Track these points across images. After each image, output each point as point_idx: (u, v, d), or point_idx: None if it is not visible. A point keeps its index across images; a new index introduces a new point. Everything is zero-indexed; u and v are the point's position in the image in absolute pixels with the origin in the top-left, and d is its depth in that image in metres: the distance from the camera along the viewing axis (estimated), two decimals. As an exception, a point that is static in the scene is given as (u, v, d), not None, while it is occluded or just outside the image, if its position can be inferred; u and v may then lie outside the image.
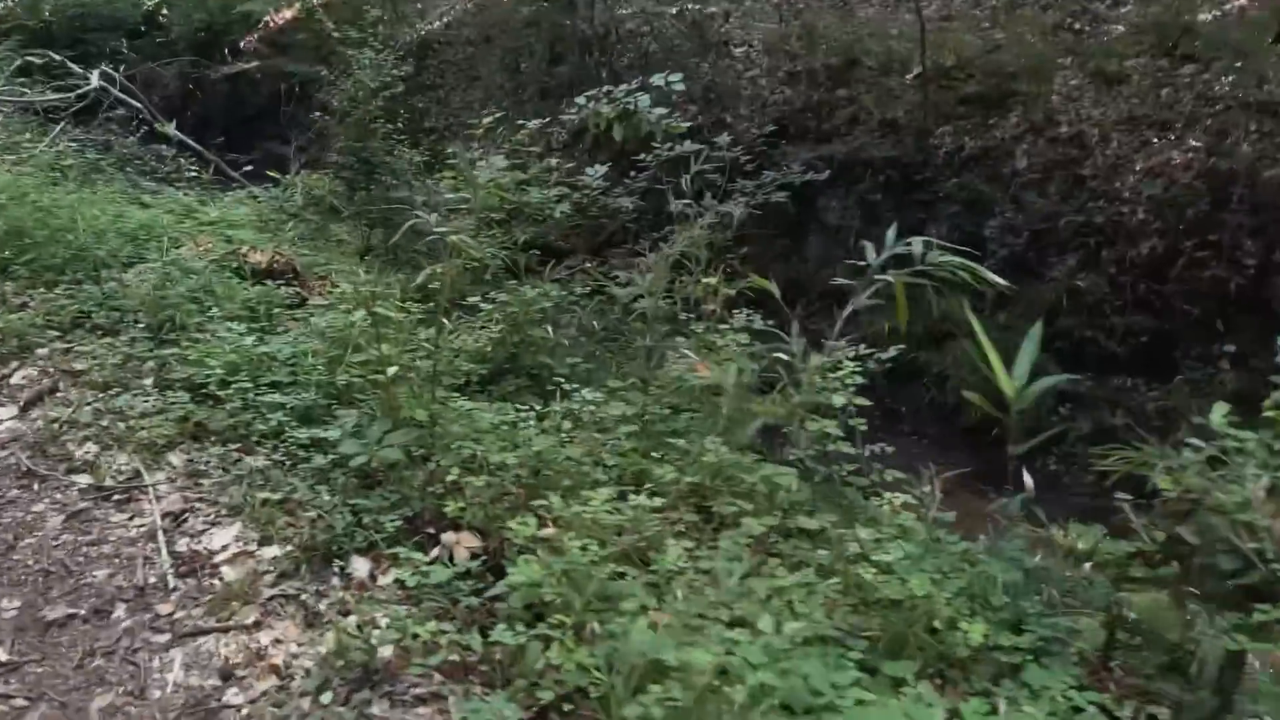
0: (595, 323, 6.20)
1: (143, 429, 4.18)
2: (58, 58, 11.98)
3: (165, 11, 18.89)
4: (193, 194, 10.63)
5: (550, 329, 5.54)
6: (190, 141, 11.21)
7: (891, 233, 3.37)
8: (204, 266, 6.11)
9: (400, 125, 10.11)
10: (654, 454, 3.93)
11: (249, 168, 12.22)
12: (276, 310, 5.66)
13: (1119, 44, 10.96)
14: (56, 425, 4.25)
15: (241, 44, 19.11)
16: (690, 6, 13.75)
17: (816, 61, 12.40)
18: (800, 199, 8.78)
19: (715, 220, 4.87)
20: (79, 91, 11.07)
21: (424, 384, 4.11)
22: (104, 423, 4.26)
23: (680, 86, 5.67)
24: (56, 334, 5.15)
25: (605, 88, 5.90)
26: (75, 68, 11.70)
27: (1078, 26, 12.31)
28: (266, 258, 6.69)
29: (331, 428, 3.89)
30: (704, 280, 4.59)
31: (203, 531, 3.60)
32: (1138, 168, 9.20)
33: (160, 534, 3.57)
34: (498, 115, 7.43)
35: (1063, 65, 10.80)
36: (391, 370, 3.94)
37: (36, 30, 18.43)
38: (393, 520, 3.44)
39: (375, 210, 8.68)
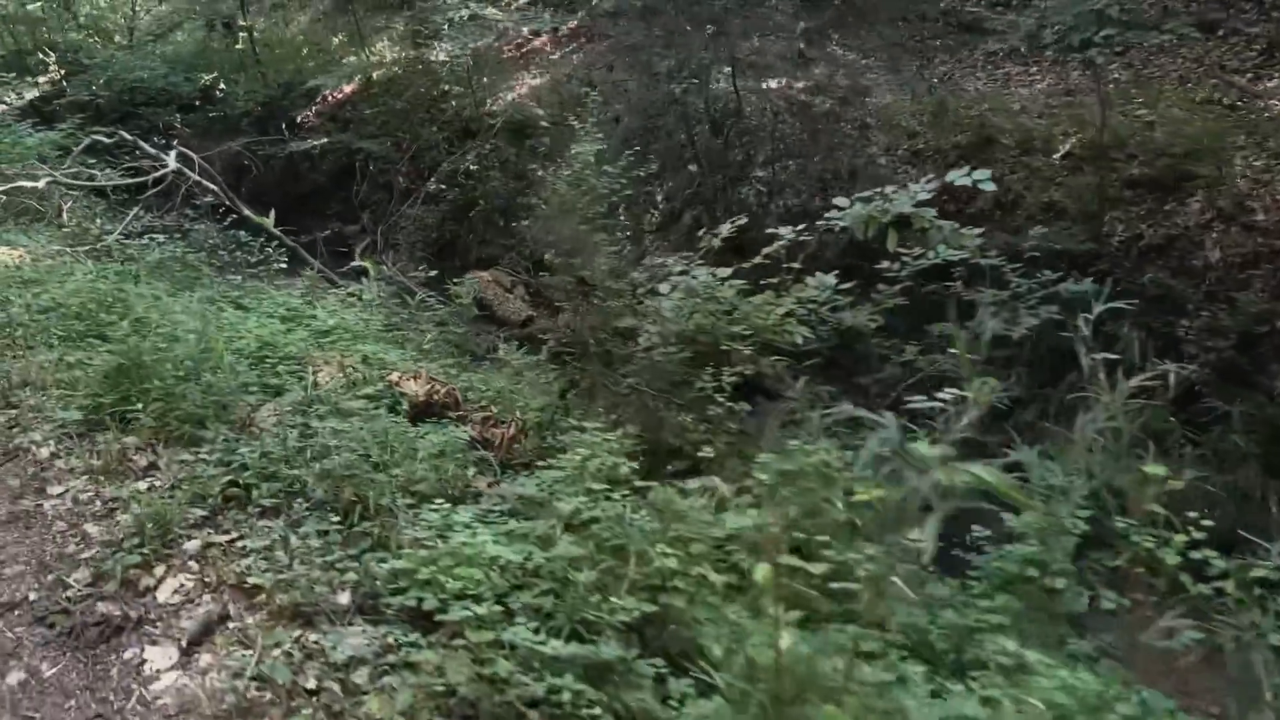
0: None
1: (368, 696, 2.83)
2: (129, 136, 10.83)
3: (222, 86, 17.84)
4: (292, 290, 9.42)
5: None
6: (271, 227, 9.97)
7: None
8: (363, 407, 4.81)
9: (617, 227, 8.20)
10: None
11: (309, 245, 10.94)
12: (471, 473, 4.34)
13: (1293, 122, 9.79)
14: (241, 684, 2.90)
15: (299, 118, 18.07)
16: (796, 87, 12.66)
17: (944, 139, 11.26)
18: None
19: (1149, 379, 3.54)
20: (156, 175, 9.89)
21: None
22: (309, 683, 2.92)
23: (990, 186, 4.44)
24: (204, 515, 3.82)
25: (888, 187, 4.68)
26: (148, 147, 10.54)
27: (1226, 101, 11.18)
28: (423, 387, 5.38)
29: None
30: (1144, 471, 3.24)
31: None
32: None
33: None
34: (694, 213, 6.19)
35: (1238, 144, 9.62)
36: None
37: (85, 104, 17.43)
38: None
39: (588, 337, 7.16)
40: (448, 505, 3.83)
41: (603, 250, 4.68)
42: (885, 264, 5.20)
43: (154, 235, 9.22)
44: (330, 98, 17.95)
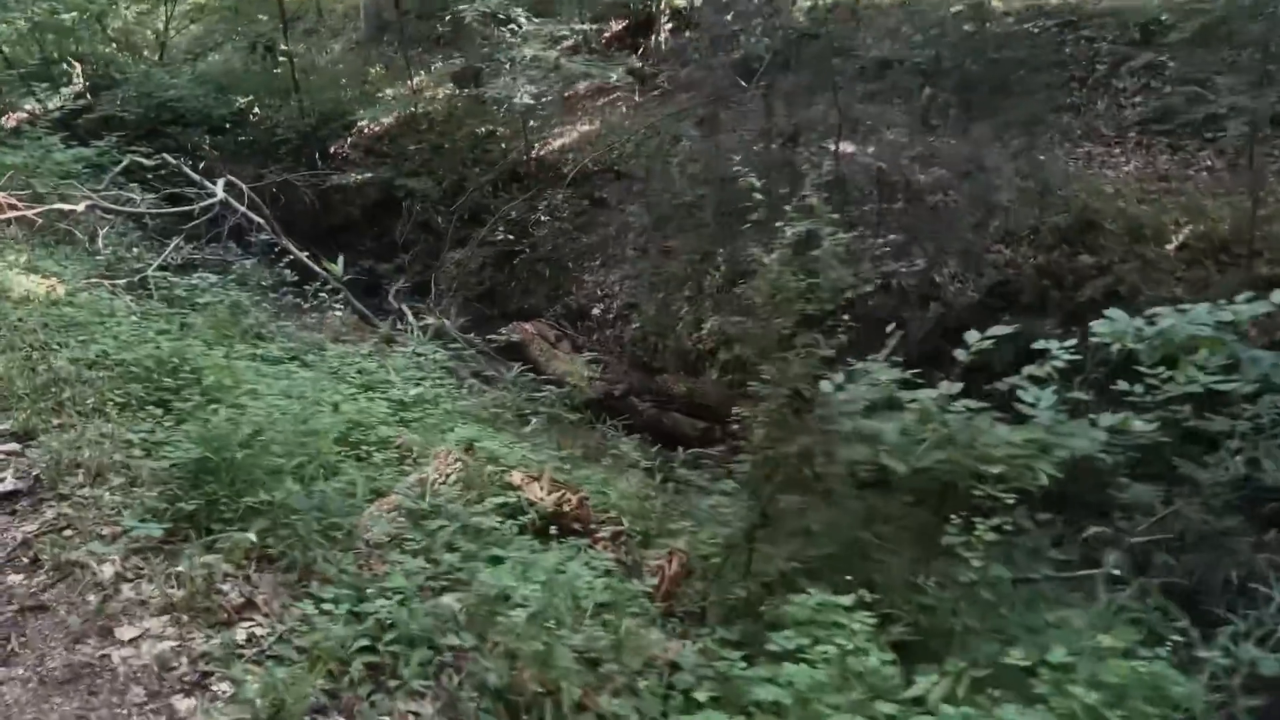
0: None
1: None
2: (172, 160, 9.87)
3: (257, 110, 16.94)
4: (340, 337, 8.45)
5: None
6: (339, 277, 8.97)
7: None
8: (496, 525, 3.82)
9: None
10: None
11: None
12: (654, 635, 3.34)
13: None
14: None
15: (334, 149, 17.16)
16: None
17: (1043, 220, 10.43)
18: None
19: None
20: (203, 204, 8.92)
21: None
22: None
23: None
24: (328, 698, 2.81)
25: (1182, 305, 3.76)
26: (193, 174, 9.58)
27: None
28: (550, 495, 4.39)
29: None
30: None
31: None
32: None
33: None
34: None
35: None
36: None
37: (111, 119, 16.49)
38: None
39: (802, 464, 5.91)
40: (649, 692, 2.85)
41: (808, 354, 3.74)
42: (1124, 384, 4.26)
43: (199, 271, 8.26)
44: (368, 130, 17.07)
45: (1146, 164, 12.53)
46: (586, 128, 15.14)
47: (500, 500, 4.27)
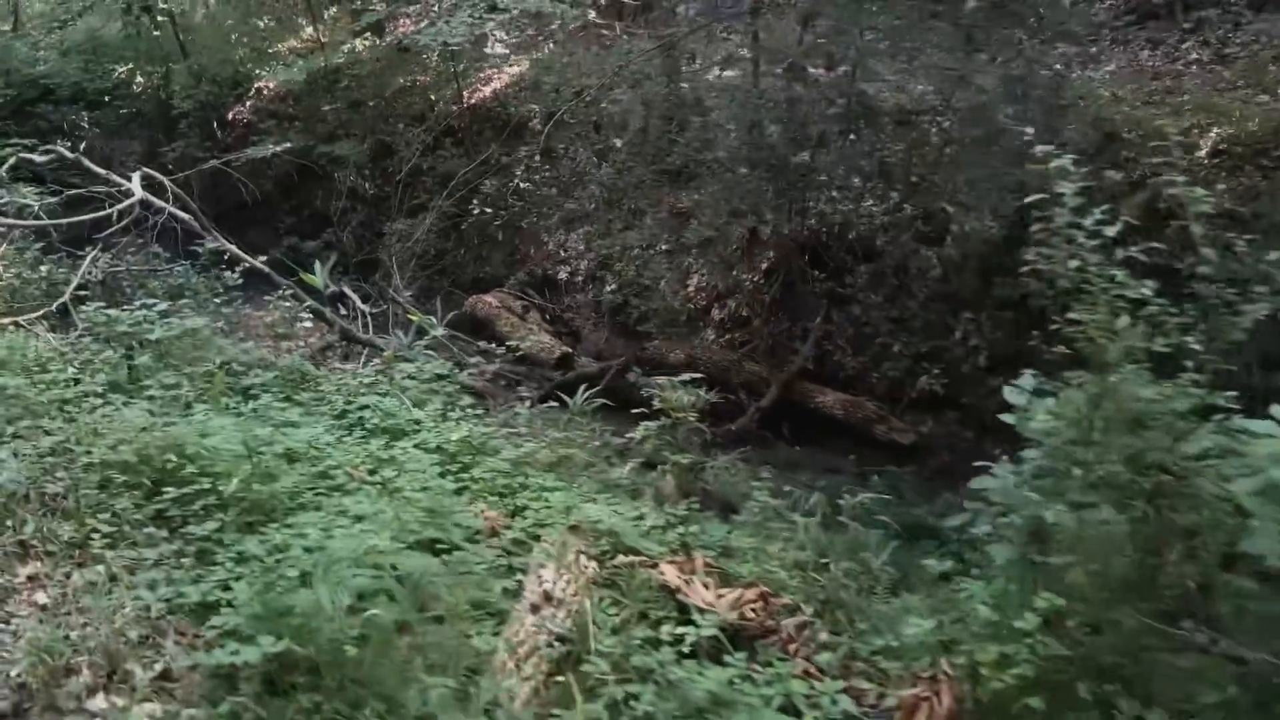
0: None
1: None
2: (69, 154, 8.14)
3: (139, 79, 14.86)
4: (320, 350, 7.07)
5: None
6: (321, 284, 7.46)
7: None
8: (694, 676, 2.69)
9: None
10: None
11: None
12: None
13: None
14: None
15: (231, 116, 15.21)
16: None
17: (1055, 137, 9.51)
18: None
19: None
20: (120, 206, 7.27)
21: None
22: None
23: None
24: None
25: None
26: (97, 168, 7.89)
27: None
28: (724, 597, 3.26)
29: None
30: None
31: None
32: None
33: None
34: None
35: None
36: None
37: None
38: None
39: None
40: None
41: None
42: None
43: (127, 286, 6.74)
44: (267, 91, 15.16)
45: (1130, 63, 11.75)
46: (516, 70, 13.60)
47: (659, 611, 3.13)
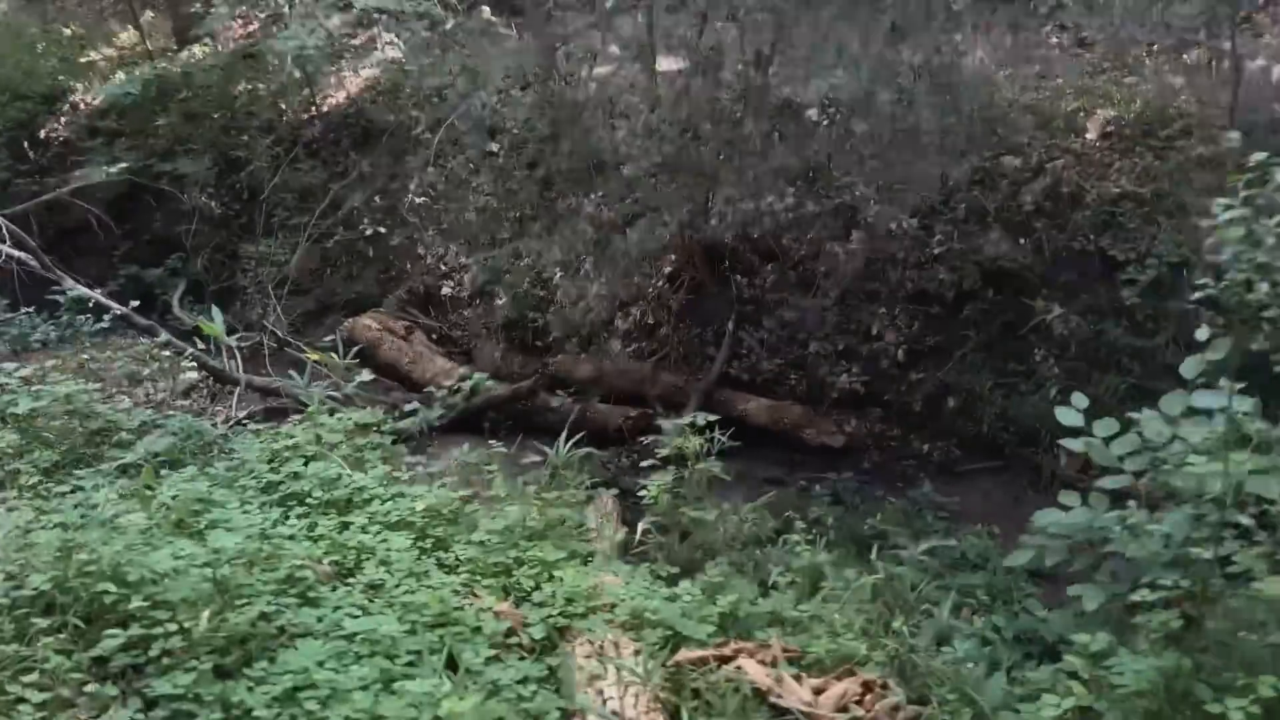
0: None
1: None
2: None
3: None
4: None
5: None
6: (223, 334, 6.45)
7: None
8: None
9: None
10: None
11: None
12: None
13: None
14: None
15: (44, 134, 13.56)
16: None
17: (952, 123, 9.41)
18: None
19: None
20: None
21: None
22: None
23: None
24: None
25: None
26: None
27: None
28: (822, 692, 2.75)
29: None
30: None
31: None
32: None
33: None
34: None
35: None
36: None
37: None
38: None
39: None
40: None
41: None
42: None
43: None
44: (84, 105, 13.59)
45: (997, 49, 11.88)
46: (370, 72, 12.61)
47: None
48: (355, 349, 10.24)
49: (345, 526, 3.86)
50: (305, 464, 4.50)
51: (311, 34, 9.40)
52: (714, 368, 8.77)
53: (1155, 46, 9.86)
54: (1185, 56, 9.68)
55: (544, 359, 9.80)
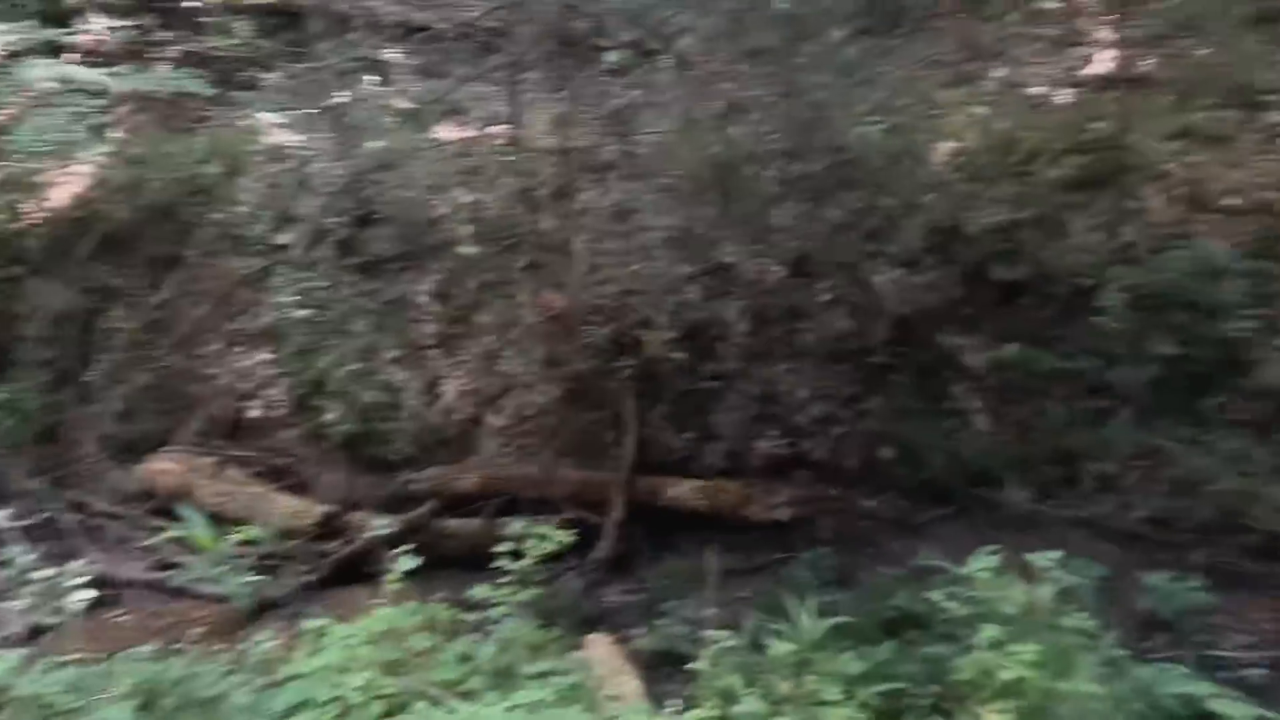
0: None
1: None
2: None
3: None
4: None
5: None
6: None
7: None
8: None
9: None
10: None
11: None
12: None
13: None
14: None
15: None
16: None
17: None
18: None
19: None
20: None
21: None
22: None
23: None
24: None
25: None
26: None
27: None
28: None
29: None
30: None
31: None
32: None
33: None
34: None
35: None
36: None
37: None
38: None
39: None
40: None
41: None
42: None
43: None
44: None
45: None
46: (104, 161, 10.32)
47: None
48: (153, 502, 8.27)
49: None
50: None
51: (57, 127, 7.30)
52: (625, 454, 7.66)
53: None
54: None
55: (397, 475, 8.24)
